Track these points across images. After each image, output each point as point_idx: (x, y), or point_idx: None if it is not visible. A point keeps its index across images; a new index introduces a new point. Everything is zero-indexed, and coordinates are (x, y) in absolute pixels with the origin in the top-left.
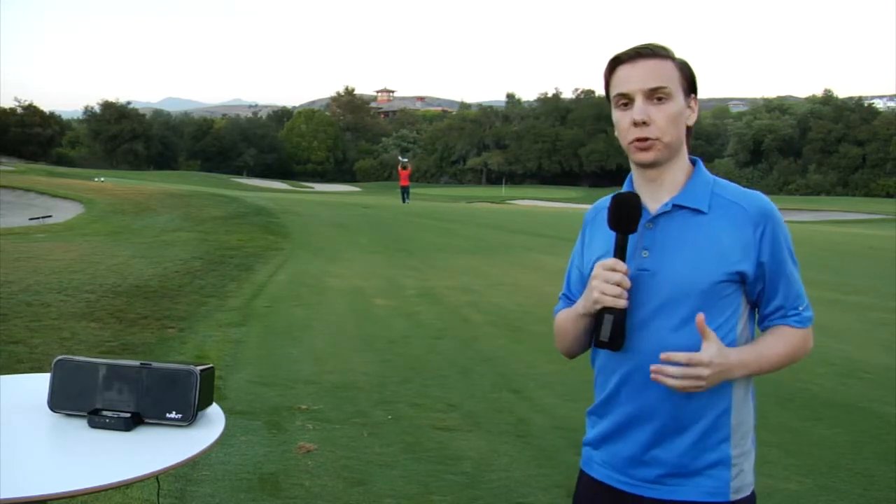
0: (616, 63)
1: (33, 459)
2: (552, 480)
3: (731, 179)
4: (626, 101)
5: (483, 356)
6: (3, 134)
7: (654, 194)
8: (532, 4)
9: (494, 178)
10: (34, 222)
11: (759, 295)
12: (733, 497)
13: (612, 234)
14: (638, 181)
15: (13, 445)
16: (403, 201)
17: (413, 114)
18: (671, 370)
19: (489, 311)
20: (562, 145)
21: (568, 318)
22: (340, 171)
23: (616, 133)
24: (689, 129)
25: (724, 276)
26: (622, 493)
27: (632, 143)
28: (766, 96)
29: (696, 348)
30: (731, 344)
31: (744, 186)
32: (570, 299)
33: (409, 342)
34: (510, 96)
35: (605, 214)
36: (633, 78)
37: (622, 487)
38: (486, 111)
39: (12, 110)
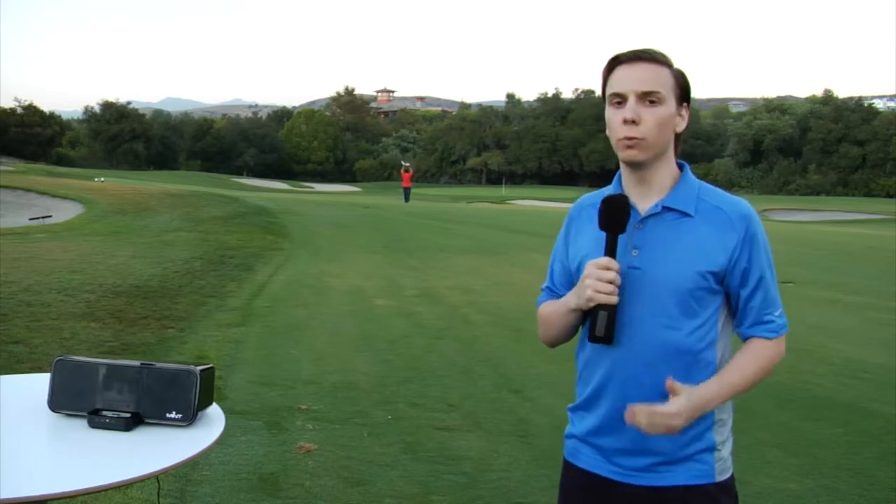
0: (615, 63)
1: (33, 459)
2: (552, 480)
3: (731, 179)
4: (620, 100)
5: (483, 356)
6: (3, 134)
7: (644, 196)
8: (532, 4)
9: (494, 178)
10: (34, 222)
11: (737, 298)
12: (718, 478)
13: (598, 231)
14: (627, 182)
15: (13, 445)
16: (406, 201)
17: (413, 114)
18: (643, 419)
19: (489, 311)
20: (562, 145)
21: (556, 311)
22: (340, 171)
23: (607, 131)
24: (678, 136)
25: (707, 276)
26: (612, 482)
27: (620, 140)
28: (766, 96)
29: (682, 345)
30: (713, 342)
31: (743, 186)
32: (553, 291)
33: (409, 342)
34: (510, 96)
35: (590, 212)
36: (629, 79)
37: (613, 477)
38: (486, 111)
39: (12, 110)
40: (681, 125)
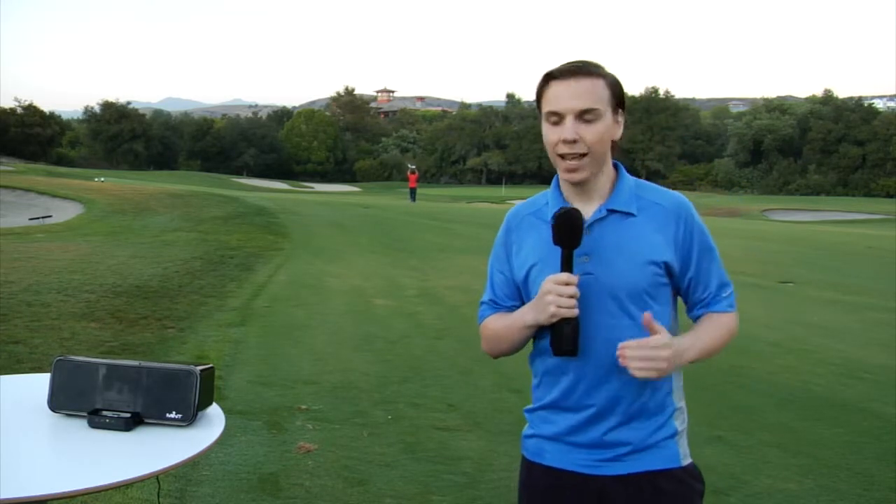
0: (549, 79)
1: (33, 459)
2: None
3: (731, 179)
4: (557, 119)
5: (483, 356)
6: (3, 134)
7: (586, 202)
8: (533, 4)
9: (494, 178)
10: (34, 222)
11: (689, 284)
12: (683, 462)
13: (542, 239)
14: (567, 191)
15: (13, 445)
16: (412, 200)
17: (413, 114)
18: (635, 358)
19: None
20: None
21: (509, 327)
22: (340, 171)
23: (545, 145)
24: (614, 142)
25: (656, 269)
26: (581, 476)
27: (559, 157)
28: (766, 96)
29: None
30: (668, 331)
31: (743, 186)
32: (496, 304)
33: (409, 342)
34: (510, 96)
35: (531, 220)
36: (566, 97)
37: (581, 470)
38: (486, 111)
39: (12, 110)
40: (618, 132)
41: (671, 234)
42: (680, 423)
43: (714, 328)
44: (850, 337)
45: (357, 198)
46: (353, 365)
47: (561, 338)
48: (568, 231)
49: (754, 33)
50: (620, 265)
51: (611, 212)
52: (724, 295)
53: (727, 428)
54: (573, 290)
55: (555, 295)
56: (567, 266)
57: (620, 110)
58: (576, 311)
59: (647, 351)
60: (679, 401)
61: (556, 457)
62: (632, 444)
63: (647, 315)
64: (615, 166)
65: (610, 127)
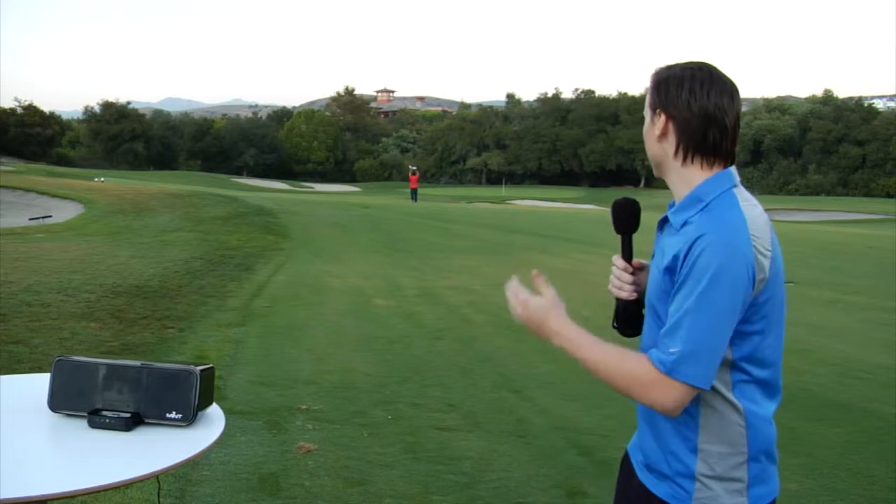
0: None
1: (33, 459)
2: (552, 481)
3: None
4: None
5: (483, 356)
6: (3, 134)
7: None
8: (532, 4)
9: (494, 178)
10: (34, 222)
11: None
12: None
13: (658, 236)
14: None
15: (13, 445)
16: (413, 200)
17: (413, 114)
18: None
19: (489, 311)
20: (562, 145)
21: None
22: (340, 171)
23: None
24: (685, 146)
25: (663, 285)
26: (638, 479)
27: None
28: (766, 96)
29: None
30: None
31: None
32: None
33: (409, 342)
34: (510, 96)
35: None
36: None
37: (637, 471)
38: (486, 111)
39: (12, 110)
40: (658, 132)
41: (678, 253)
42: (706, 467)
43: (614, 351)
44: (850, 337)
45: (357, 198)
46: (353, 365)
47: (615, 314)
48: (618, 217)
49: (754, 33)
50: (651, 269)
51: (666, 219)
52: (669, 349)
53: None
54: (618, 271)
55: (612, 276)
56: (625, 250)
57: (659, 109)
58: (623, 293)
59: (516, 295)
60: (710, 444)
61: (632, 448)
62: (648, 458)
63: (535, 273)
64: (721, 176)
65: (647, 129)
